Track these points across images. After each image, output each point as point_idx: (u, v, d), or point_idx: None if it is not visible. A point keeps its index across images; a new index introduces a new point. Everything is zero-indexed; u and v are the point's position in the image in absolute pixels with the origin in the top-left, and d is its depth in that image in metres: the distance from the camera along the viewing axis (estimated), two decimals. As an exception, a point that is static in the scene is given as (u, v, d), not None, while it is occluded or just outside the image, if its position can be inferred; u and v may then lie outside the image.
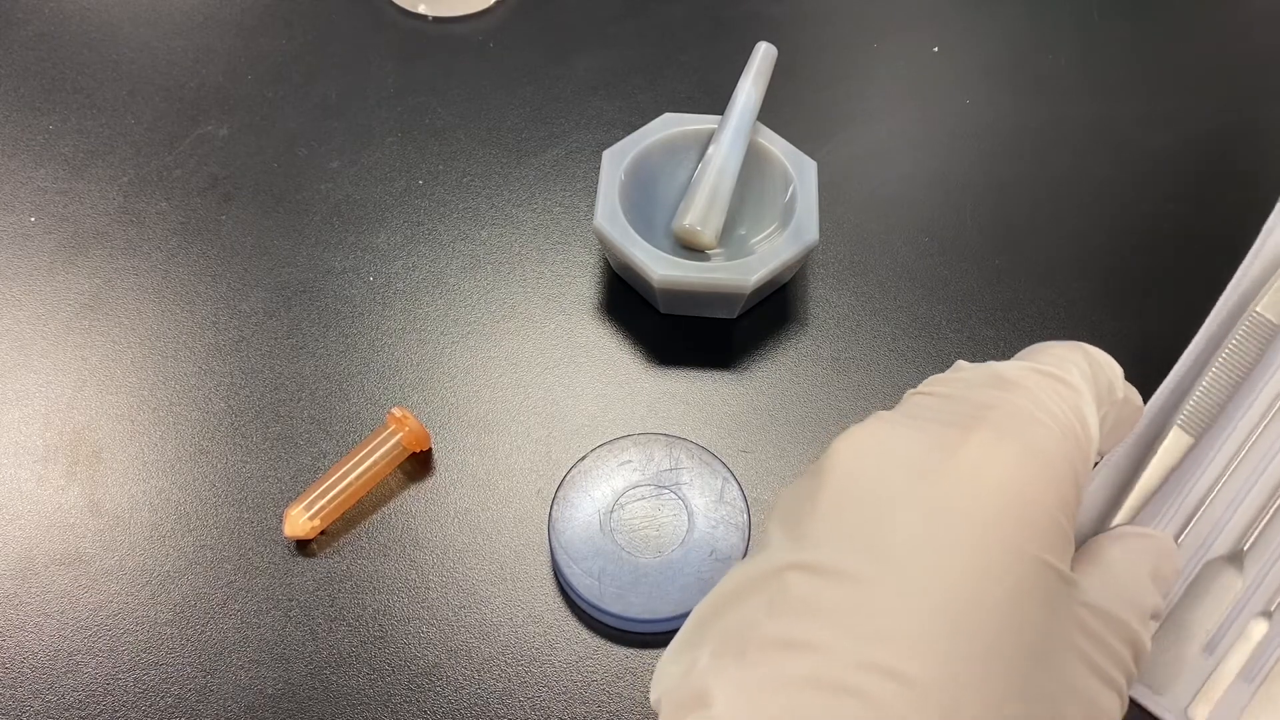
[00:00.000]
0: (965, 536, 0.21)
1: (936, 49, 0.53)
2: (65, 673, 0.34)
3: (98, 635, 0.35)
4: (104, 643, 0.34)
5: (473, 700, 0.33)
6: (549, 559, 0.36)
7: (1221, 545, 0.34)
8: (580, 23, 0.54)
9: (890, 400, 0.40)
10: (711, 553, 0.35)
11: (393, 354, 0.41)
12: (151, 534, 0.37)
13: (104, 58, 0.51)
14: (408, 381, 0.41)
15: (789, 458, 0.39)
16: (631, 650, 0.34)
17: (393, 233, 0.45)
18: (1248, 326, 0.36)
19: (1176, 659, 0.33)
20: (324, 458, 0.38)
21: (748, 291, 0.38)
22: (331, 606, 0.35)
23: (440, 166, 0.47)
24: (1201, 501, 0.35)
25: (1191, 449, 0.35)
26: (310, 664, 0.34)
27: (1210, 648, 0.33)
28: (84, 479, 0.38)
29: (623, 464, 0.37)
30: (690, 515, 0.35)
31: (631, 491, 0.36)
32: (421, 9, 0.54)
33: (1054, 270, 0.44)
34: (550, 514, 0.36)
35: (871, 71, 0.52)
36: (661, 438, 0.37)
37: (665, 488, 0.36)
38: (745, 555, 0.35)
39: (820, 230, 0.40)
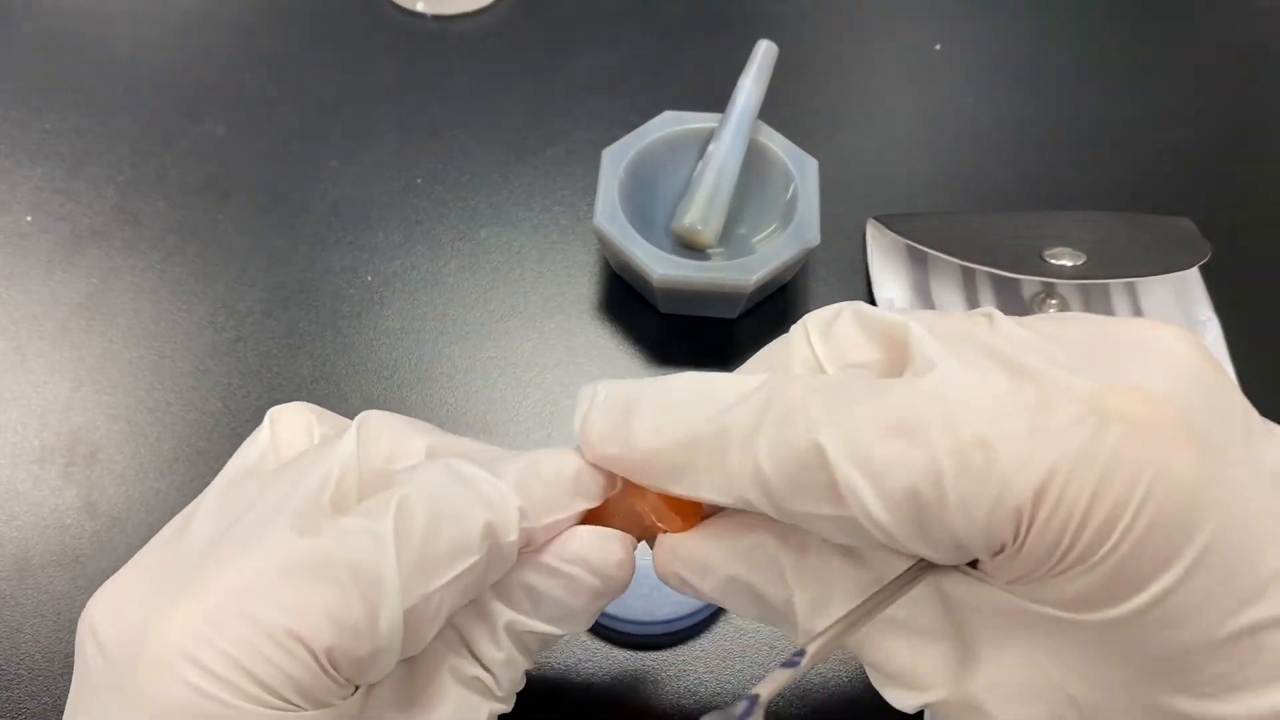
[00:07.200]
0: None
1: (938, 47, 0.53)
2: (61, 674, 0.34)
3: (94, 637, 0.34)
4: (100, 644, 0.34)
5: (471, 702, 0.33)
6: (548, 560, 0.36)
7: None
8: (580, 21, 0.53)
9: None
10: (712, 554, 0.34)
11: (391, 354, 0.41)
12: (148, 535, 0.36)
13: (101, 56, 0.51)
14: (406, 381, 0.40)
15: (790, 458, 0.38)
16: (630, 652, 0.34)
17: (391, 232, 0.45)
18: None
19: None
20: (322, 458, 0.38)
21: (748, 291, 0.38)
22: (329, 608, 0.35)
23: (439, 165, 0.47)
24: None
25: None
26: (308, 666, 0.34)
27: None
28: (80, 480, 0.38)
29: (622, 464, 0.36)
30: (690, 516, 0.35)
31: (631, 492, 0.36)
32: (420, 8, 0.53)
33: (1056, 270, 0.44)
34: (549, 515, 0.35)
35: (873, 70, 0.52)
36: (661, 438, 0.37)
37: (665, 488, 0.36)
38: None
39: (821, 230, 0.39)
